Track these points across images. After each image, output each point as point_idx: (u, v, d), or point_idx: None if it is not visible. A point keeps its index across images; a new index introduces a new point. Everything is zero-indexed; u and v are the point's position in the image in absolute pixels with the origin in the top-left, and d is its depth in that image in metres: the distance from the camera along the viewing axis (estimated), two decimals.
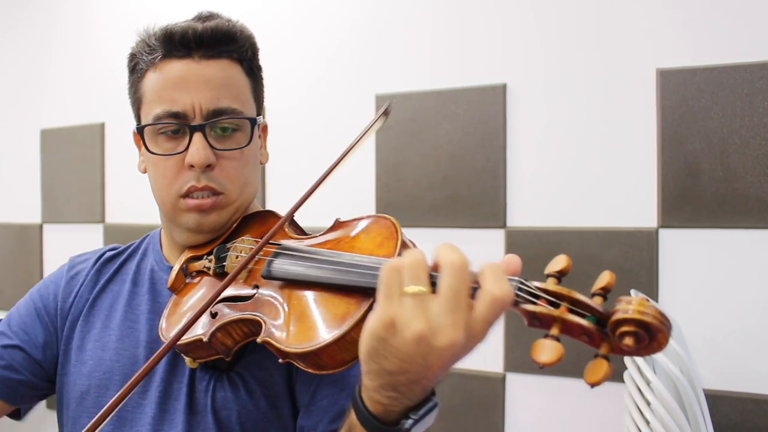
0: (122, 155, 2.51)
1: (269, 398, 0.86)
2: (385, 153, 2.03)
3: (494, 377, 1.88)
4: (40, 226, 2.72)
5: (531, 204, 1.86)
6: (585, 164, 1.80)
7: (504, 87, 1.89)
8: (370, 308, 0.67)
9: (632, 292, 1.53)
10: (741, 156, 1.62)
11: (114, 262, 1.04)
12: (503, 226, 1.88)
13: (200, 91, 0.87)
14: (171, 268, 0.96)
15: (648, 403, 1.36)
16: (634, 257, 1.72)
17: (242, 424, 0.86)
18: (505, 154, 1.89)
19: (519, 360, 1.86)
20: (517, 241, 1.85)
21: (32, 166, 2.74)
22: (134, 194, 2.43)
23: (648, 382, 1.36)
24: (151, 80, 0.90)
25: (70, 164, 2.63)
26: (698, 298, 1.66)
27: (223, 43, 0.90)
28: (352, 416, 0.65)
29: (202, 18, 0.93)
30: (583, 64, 1.81)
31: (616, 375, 1.60)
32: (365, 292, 0.69)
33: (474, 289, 0.59)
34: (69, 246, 2.64)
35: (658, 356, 1.37)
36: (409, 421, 0.61)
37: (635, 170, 1.74)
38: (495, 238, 1.88)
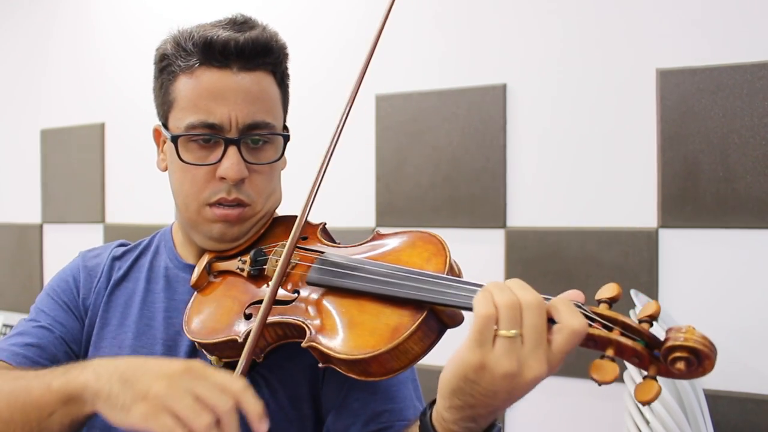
0: (122, 155, 2.51)
1: (291, 399, 0.87)
2: (385, 153, 2.03)
3: None
4: (40, 226, 2.72)
5: (531, 204, 1.86)
6: (585, 164, 1.80)
7: (504, 87, 1.89)
8: (424, 320, 0.70)
9: (632, 292, 1.53)
10: (741, 156, 1.62)
11: (126, 258, 1.03)
12: (503, 226, 1.88)
13: (237, 105, 0.88)
14: (187, 266, 0.97)
15: None
16: (634, 257, 1.72)
17: None
18: (505, 154, 1.89)
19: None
20: (517, 241, 1.85)
21: (32, 166, 2.74)
22: (134, 194, 2.43)
23: None
24: (186, 86, 0.90)
25: (70, 164, 2.63)
26: (698, 298, 1.66)
27: (261, 55, 0.91)
28: None
29: (237, 23, 0.92)
30: (583, 64, 1.81)
31: None
32: (418, 305, 0.71)
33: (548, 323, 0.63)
34: (69, 246, 2.64)
35: None
36: None
37: (635, 170, 1.74)
38: (495, 238, 1.88)
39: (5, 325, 2.66)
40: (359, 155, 2.07)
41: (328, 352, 0.72)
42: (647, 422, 1.35)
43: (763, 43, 1.61)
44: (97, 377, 0.71)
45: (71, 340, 0.96)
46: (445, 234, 0.77)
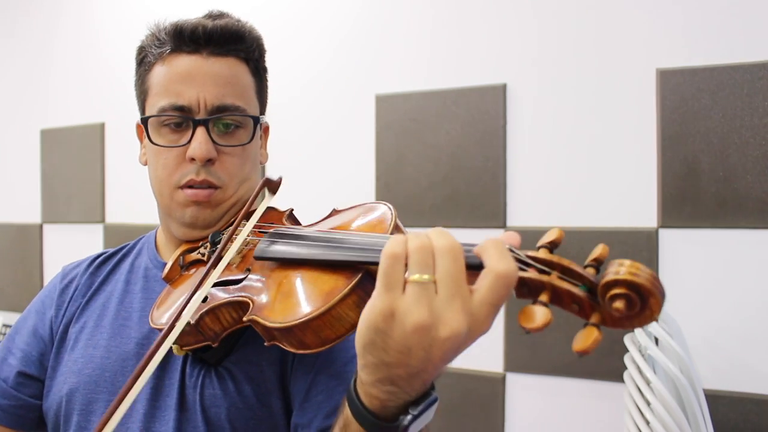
0: (122, 155, 2.51)
1: (259, 395, 0.85)
2: (385, 153, 2.03)
3: (494, 377, 1.88)
4: (40, 226, 2.72)
5: (531, 204, 1.86)
6: (585, 164, 1.80)
7: (504, 87, 1.89)
8: (358, 283, 0.66)
9: None
10: (741, 156, 1.62)
11: (107, 264, 1.04)
12: (503, 226, 1.88)
13: (206, 87, 0.89)
14: (165, 264, 0.96)
15: (648, 403, 1.36)
16: (634, 257, 1.71)
17: (231, 422, 0.84)
18: (505, 154, 1.89)
19: (519, 360, 1.86)
20: None
21: (32, 166, 2.74)
22: (134, 194, 2.43)
23: (648, 382, 1.36)
24: (159, 73, 0.92)
25: (70, 164, 2.63)
26: (698, 298, 1.66)
27: (232, 42, 0.92)
28: (347, 412, 0.63)
29: (212, 16, 0.95)
30: (583, 64, 1.81)
31: (616, 375, 1.60)
32: (353, 268, 0.68)
33: (471, 269, 0.57)
34: (69, 246, 2.64)
35: (658, 356, 1.37)
36: (408, 417, 0.59)
37: (635, 170, 1.74)
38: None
39: (5, 325, 2.66)
40: (359, 155, 2.07)
41: (265, 323, 0.71)
42: (647, 422, 1.35)
43: (763, 43, 1.61)
44: None
45: (31, 364, 0.97)
46: None
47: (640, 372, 1.39)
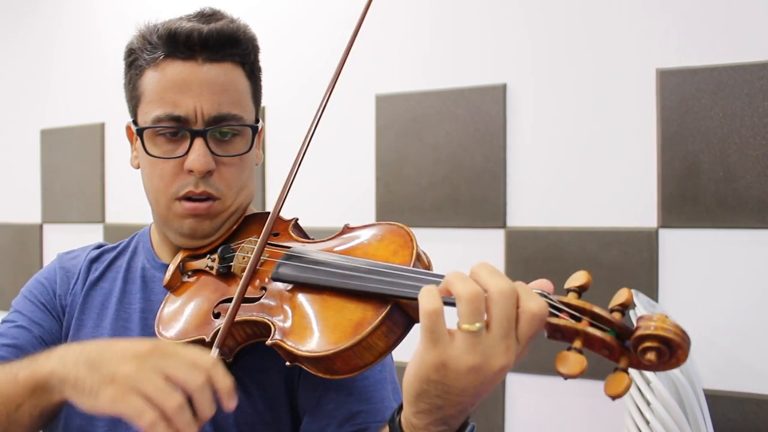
0: (122, 155, 2.50)
1: (267, 401, 0.85)
2: (385, 153, 2.03)
3: None
4: (40, 226, 2.72)
5: (531, 204, 1.86)
6: (585, 164, 1.80)
7: (504, 87, 1.89)
8: (387, 315, 0.68)
9: (633, 293, 1.53)
10: (741, 156, 1.62)
11: (103, 259, 1.02)
12: (503, 226, 1.88)
13: (203, 96, 0.86)
14: (163, 265, 0.95)
15: (648, 403, 1.36)
16: (634, 257, 1.72)
17: (239, 426, 0.85)
18: (505, 154, 1.89)
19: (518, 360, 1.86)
20: (517, 241, 1.85)
21: (32, 166, 2.74)
22: (134, 194, 2.42)
23: (648, 382, 1.36)
24: (152, 79, 0.89)
25: (70, 164, 2.63)
26: (698, 298, 1.66)
27: (228, 47, 0.89)
28: None
29: (204, 16, 0.92)
30: (583, 64, 1.81)
31: None
32: (382, 299, 0.69)
33: None
34: (69, 246, 2.63)
35: None
36: None
37: (635, 170, 1.74)
38: (495, 238, 1.88)
39: None
40: (359, 155, 2.07)
41: (292, 349, 0.71)
42: (647, 422, 1.35)
43: (763, 43, 1.61)
44: (62, 363, 0.69)
45: (50, 340, 0.94)
46: (445, 234, 0.76)
47: (640, 372, 1.39)
